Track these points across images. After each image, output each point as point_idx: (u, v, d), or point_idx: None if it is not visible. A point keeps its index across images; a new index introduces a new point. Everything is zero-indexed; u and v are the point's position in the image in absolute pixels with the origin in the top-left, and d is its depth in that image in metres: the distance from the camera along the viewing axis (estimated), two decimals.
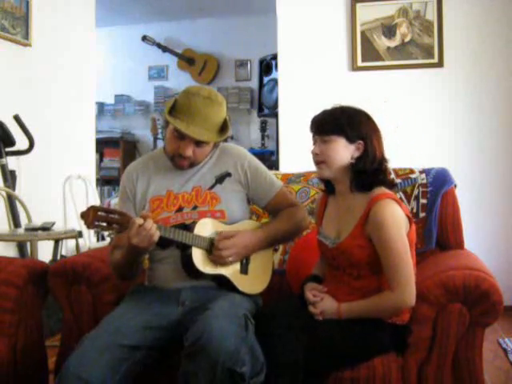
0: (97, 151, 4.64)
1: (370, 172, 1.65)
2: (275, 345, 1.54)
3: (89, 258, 1.94)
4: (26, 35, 3.52)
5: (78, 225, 3.17)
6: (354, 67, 3.81)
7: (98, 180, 5.48)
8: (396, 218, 1.59)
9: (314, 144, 1.71)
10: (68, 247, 3.61)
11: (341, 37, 3.85)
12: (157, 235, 1.61)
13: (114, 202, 5.36)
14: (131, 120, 6.36)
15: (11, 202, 3.19)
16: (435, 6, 3.69)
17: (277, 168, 4.38)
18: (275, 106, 4.80)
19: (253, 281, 1.81)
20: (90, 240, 3.59)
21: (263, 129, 5.67)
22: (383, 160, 1.69)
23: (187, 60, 6.20)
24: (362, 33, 3.80)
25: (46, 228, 2.76)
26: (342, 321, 1.63)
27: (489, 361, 2.56)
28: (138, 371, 1.58)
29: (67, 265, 1.89)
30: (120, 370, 1.51)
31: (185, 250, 1.72)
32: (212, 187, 1.83)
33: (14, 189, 3.26)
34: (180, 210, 1.80)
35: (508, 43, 3.66)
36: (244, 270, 1.79)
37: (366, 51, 3.79)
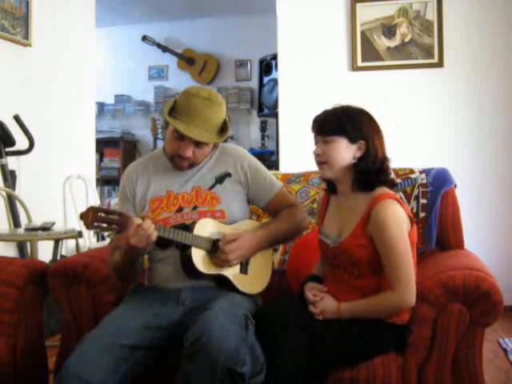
0: (97, 151, 4.64)
1: (371, 172, 1.65)
2: (275, 344, 1.54)
3: (89, 258, 1.94)
4: (26, 35, 3.52)
5: (78, 225, 3.17)
6: (354, 67, 3.81)
7: (97, 180, 5.49)
8: (397, 218, 1.59)
9: (316, 144, 1.71)
10: (68, 247, 3.61)
11: (341, 37, 3.85)
12: (155, 235, 1.61)
13: (114, 201, 5.36)
14: (131, 120, 6.36)
15: (11, 202, 3.19)
16: (435, 6, 3.69)
17: (277, 168, 4.38)
18: (275, 105, 4.80)
19: (253, 281, 1.81)
20: (90, 240, 3.59)
21: (263, 129, 5.67)
22: (385, 159, 1.69)
23: (187, 60, 6.20)
24: (362, 33, 3.80)
25: (46, 228, 2.76)
26: (341, 320, 1.63)
27: (489, 361, 2.56)
28: (138, 371, 1.58)
29: (67, 265, 1.89)
30: (120, 370, 1.51)
31: (184, 250, 1.72)
32: (212, 187, 1.83)
33: (14, 189, 3.26)
34: (180, 210, 1.80)
35: (508, 43, 3.66)
36: (244, 270, 1.79)
37: (366, 51, 3.79)
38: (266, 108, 5.46)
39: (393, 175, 2.11)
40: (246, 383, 1.43)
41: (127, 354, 1.54)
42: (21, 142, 3.23)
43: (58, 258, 3.26)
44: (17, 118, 3.22)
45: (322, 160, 1.68)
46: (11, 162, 3.28)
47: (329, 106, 1.72)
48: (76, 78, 4.13)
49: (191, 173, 1.85)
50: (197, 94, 1.74)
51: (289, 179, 2.31)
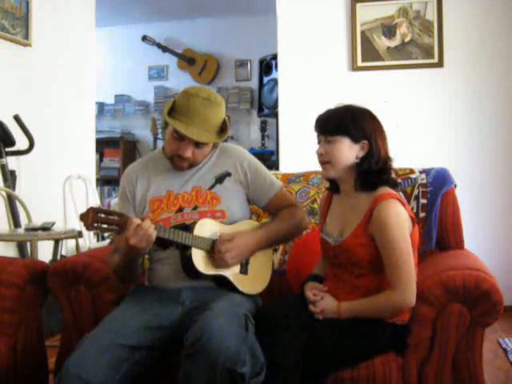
0: (97, 151, 4.64)
1: (374, 172, 1.66)
2: (275, 345, 1.54)
3: (89, 258, 1.94)
4: (26, 35, 3.52)
5: (78, 225, 3.16)
6: (354, 67, 3.81)
7: (97, 180, 5.48)
8: (399, 218, 1.59)
9: (319, 144, 1.71)
10: (68, 247, 3.61)
11: (341, 37, 3.85)
12: (154, 235, 1.61)
13: (114, 202, 5.36)
14: (131, 120, 6.36)
15: (11, 202, 3.19)
16: (435, 6, 3.69)
17: (277, 168, 4.38)
18: (275, 105, 4.80)
19: (253, 281, 1.81)
20: (90, 240, 3.59)
21: (263, 129, 5.67)
22: (388, 159, 1.69)
23: (187, 60, 6.20)
24: (362, 33, 3.80)
25: (46, 228, 2.76)
26: (341, 320, 1.63)
27: (489, 361, 2.56)
28: (138, 371, 1.58)
29: (67, 265, 1.89)
30: (120, 370, 1.51)
31: (184, 250, 1.72)
32: (212, 187, 1.83)
33: (14, 189, 3.26)
34: (180, 210, 1.80)
35: (508, 43, 3.66)
36: (244, 270, 1.79)
37: (366, 51, 3.79)
38: (266, 108, 5.46)
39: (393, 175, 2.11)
40: (245, 383, 1.43)
41: (127, 353, 1.54)
42: (21, 142, 3.23)
43: (58, 257, 3.26)
44: (17, 118, 3.22)
45: (324, 160, 1.68)
46: (11, 162, 3.28)
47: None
48: (76, 78, 4.13)
49: (191, 173, 1.85)
50: (196, 94, 1.74)
51: (289, 179, 2.31)
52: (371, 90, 3.76)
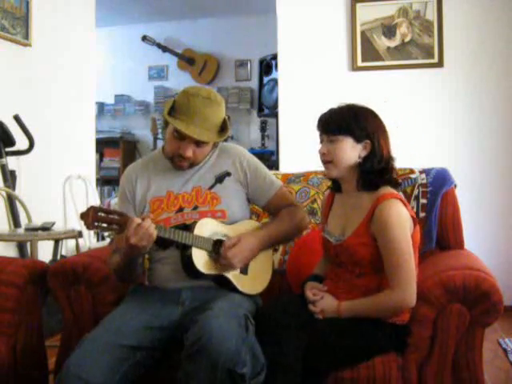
0: (97, 151, 4.63)
1: (376, 171, 1.66)
2: (275, 345, 1.55)
3: (89, 258, 1.94)
4: (26, 35, 3.52)
5: (78, 225, 3.17)
6: (354, 67, 3.81)
7: (97, 180, 5.49)
8: (401, 218, 1.59)
9: (321, 143, 1.71)
10: (68, 247, 3.61)
11: (341, 37, 3.85)
12: (154, 234, 1.61)
13: (114, 201, 5.36)
14: (131, 120, 6.36)
15: (11, 202, 3.19)
16: (435, 6, 3.69)
17: (277, 168, 4.38)
18: (275, 105, 4.79)
19: (253, 281, 1.81)
20: (90, 240, 3.58)
21: (263, 129, 5.67)
22: (390, 159, 1.69)
23: (187, 60, 6.20)
24: (362, 33, 3.80)
25: (46, 228, 2.76)
26: (341, 320, 1.63)
27: (489, 361, 2.55)
28: (138, 371, 1.58)
29: (67, 265, 1.89)
30: (120, 370, 1.51)
31: (185, 250, 1.72)
32: (212, 187, 1.83)
33: (14, 189, 3.26)
34: (180, 210, 1.80)
35: (508, 43, 3.66)
36: (244, 271, 1.79)
37: (366, 51, 3.79)
38: (266, 108, 5.46)
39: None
40: None
41: (127, 354, 1.54)
42: (21, 142, 3.23)
43: (58, 257, 3.26)
44: (17, 118, 3.22)
45: (327, 159, 1.68)
46: (11, 162, 3.28)
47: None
48: (76, 78, 4.13)
49: (191, 172, 1.85)
50: (196, 93, 1.74)
51: (289, 179, 2.31)
52: (371, 90, 3.76)
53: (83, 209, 1.62)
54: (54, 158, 3.79)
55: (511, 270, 3.54)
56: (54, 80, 3.85)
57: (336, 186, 1.79)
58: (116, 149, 6.10)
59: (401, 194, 1.72)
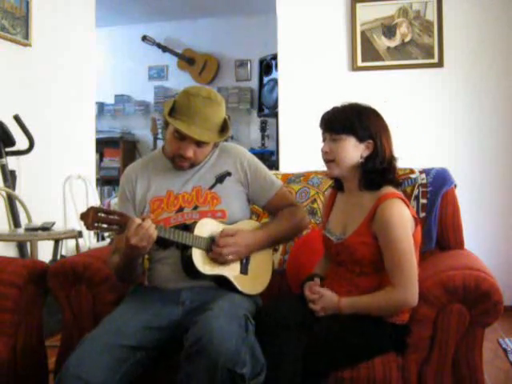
0: (97, 151, 4.64)
1: (379, 171, 1.66)
2: (275, 345, 1.55)
3: (89, 258, 1.94)
4: (26, 35, 3.52)
5: (78, 225, 3.17)
6: (354, 67, 3.81)
7: (97, 180, 5.48)
8: (403, 218, 1.59)
9: (324, 141, 1.71)
10: (68, 247, 3.61)
11: (341, 37, 3.85)
12: (155, 235, 1.61)
13: (114, 201, 5.36)
14: (131, 120, 6.36)
15: (11, 202, 3.19)
16: (435, 6, 3.69)
17: (277, 168, 4.38)
18: (275, 105, 4.79)
19: (253, 281, 1.81)
20: (90, 240, 3.59)
21: (263, 129, 5.67)
22: (392, 159, 1.69)
23: (187, 60, 6.20)
24: (362, 33, 3.80)
25: (46, 228, 2.76)
26: (341, 320, 1.63)
27: (489, 361, 2.55)
28: (138, 371, 1.58)
29: (67, 265, 1.89)
30: (120, 370, 1.51)
31: (185, 250, 1.72)
32: (212, 187, 1.83)
33: (14, 189, 3.26)
34: (180, 210, 1.80)
35: (508, 43, 3.66)
36: (244, 271, 1.79)
37: (366, 51, 3.79)
38: (266, 108, 5.46)
39: None
40: None
41: (127, 354, 1.54)
42: (21, 142, 3.23)
43: (58, 257, 3.26)
44: (17, 118, 3.22)
45: (329, 158, 1.68)
46: (11, 162, 3.28)
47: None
48: (76, 78, 4.13)
49: (191, 172, 1.85)
50: (196, 93, 1.74)
51: (289, 179, 2.31)
52: (371, 90, 3.76)
53: (83, 209, 1.62)
54: (54, 158, 3.79)
55: (511, 270, 3.54)
56: (54, 80, 3.85)
57: (338, 185, 1.79)
58: (116, 149, 6.10)
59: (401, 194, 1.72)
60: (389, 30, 3.77)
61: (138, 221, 1.59)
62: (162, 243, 1.72)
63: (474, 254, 1.96)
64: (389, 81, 3.78)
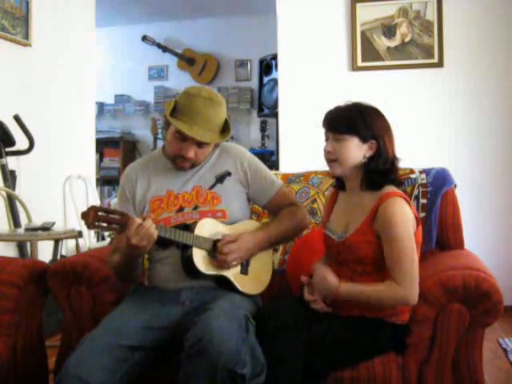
0: (97, 151, 4.63)
1: (381, 172, 1.66)
2: (275, 345, 1.54)
3: (89, 258, 1.93)
4: (26, 35, 3.52)
5: (78, 225, 3.17)
6: (354, 67, 3.81)
7: (98, 180, 5.48)
8: (405, 216, 1.59)
9: (326, 140, 1.71)
10: (68, 247, 3.61)
11: (341, 37, 3.85)
12: (155, 234, 1.61)
13: (114, 201, 5.36)
14: (131, 120, 6.36)
15: (11, 202, 3.19)
16: (435, 6, 3.69)
17: (277, 168, 4.38)
18: (275, 105, 4.79)
19: (253, 281, 1.81)
20: (90, 240, 3.58)
21: (263, 129, 5.67)
22: (395, 159, 1.69)
23: (187, 60, 6.20)
24: (362, 33, 3.79)
25: (46, 228, 2.76)
26: (341, 321, 1.63)
27: (489, 361, 2.55)
28: (137, 372, 1.58)
29: (67, 265, 1.89)
30: (120, 370, 1.51)
31: (185, 250, 1.72)
32: (212, 187, 1.83)
33: (14, 189, 3.26)
34: (181, 210, 1.80)
35: (508, 43, 3.66)
36: (244, 271, 1.79)
37: (366, 51, 3.79)
38: (266, 108, 5.46)
39: None
40: None
41: (127, 354, 1.54)
42: (21, 142, 3.22)
43: (58, 257, 3.26)
44: (17, 118, 3.22)
45: (332, 158, 1.68)
46: (11, 162, 3.28)
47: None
48: (76, 78, 4.13)
49: (191, 172, 1.85)
50: (198, 94, 1.74)
51: (289, 179, 2.31)
52: (371, 90, 3.75)
53: (83, 209, 1.61)
54: (54, 158, 3.79)
55: (511, 270, 3.54)
56: (54, 80, 3.85)
57: (340, 184, 1.79)
58: (116, 149, 6.10)
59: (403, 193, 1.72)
60: (389, 30, 3.77)
61: (138, 220, 1.59)
62: (162, 243, 1.72)
63: (474, 254, 1.96)
64: (389, 81, 3.78)
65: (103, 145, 5.91)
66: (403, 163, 2.05)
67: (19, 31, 3.47)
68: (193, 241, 1.69)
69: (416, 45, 3.74)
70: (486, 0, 3.68)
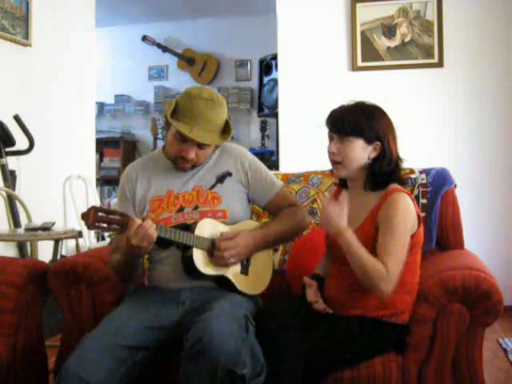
0: (97, 151, 4.63)
1: (385, 173, 1.65)
2: (275, 345, 1.54)
3: (89, 258, 1.94)
4: (26, 35, 3.52)
5: (78, 225, 3.17)
6: (354, 67, 3.81)
7: (98, 180, 5.48)
8: (407, 210, 1.59)
9: (330, 141, 1.70)
10: (68, 247, 3.61)
11: (341, 37, 3.85)
12: (155, 235, 1.61)
13: (114, 201, 5.36)
14: (131, 120, 6.36)
15: (11, 202, 3.19)
16: (435, 6, 3.69)
17: (277, 168, 4.38)
18: (275, 106, 4.79)
19: (253, 281, 1.81)
20: (90, 240, 3.58)
21: (263, 129, 5.67)
22: (398, 160, 1.69)
23: (187, 60, 6.20)
24: (362, 33, 3.79)
25: (46, 228, 2.76)
26: (342, 321, 1.63)
27: (489, 361, 2.55)
28: (137, 372, 1.58)
29: (67, 265, 1.89)
30: (120, 370, 1.51)
31: (185, 250, 1.72)
32: (213, 187, 1.83)
33: (14, 189, 3.26)
34: (181, 210, 1.80)
35: (508, 43, 3.66)
36: (244, 271, 1.79)
37: (366, 51, 3.79)
38: (266, 108, 5.46)
39: None
40: None
41: (127, 354, 1.54)
42: (21, 142, 3.22)
43: (58, 257, 3.26)
44: (17, 118, 3.22)
45: (336, 159, 1.67)
46: (11, 162, 3.28)
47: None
48: (76, 78, 4.13)
49: (192, 172, 1.85)
50: (199, 95, 1.74)
51: (289, 179, 2.31)
52: (371, 90, 3.73)
53: (83, 209, 1.62)
54: (54, 158, 3.79)
55: (511, 269, 3.54)
56: (54, 80, 3.85)
57: (343, 183, 1.78)
58: (116, 149, 6.10)
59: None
60: (389, 30, 3.77)
61: (138, 221, 1.59)
62: (162, 243, 1.72)
63: (474, 254, 1.96)
64: (389, 81, 3.78)
65: (103, 145, 5.91)
66: (403, 163, 2.06)
67: (19, 31, 3.47)
68: (193, 241, 1.69)
69: (416, 45, 3.74)
70: (486, 0, 3.68)
